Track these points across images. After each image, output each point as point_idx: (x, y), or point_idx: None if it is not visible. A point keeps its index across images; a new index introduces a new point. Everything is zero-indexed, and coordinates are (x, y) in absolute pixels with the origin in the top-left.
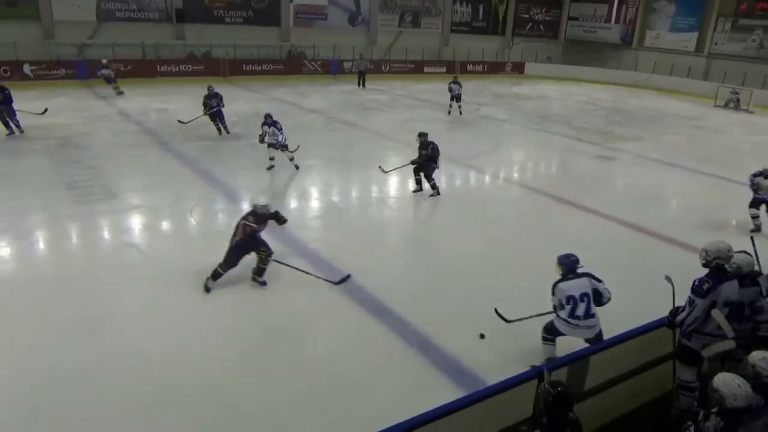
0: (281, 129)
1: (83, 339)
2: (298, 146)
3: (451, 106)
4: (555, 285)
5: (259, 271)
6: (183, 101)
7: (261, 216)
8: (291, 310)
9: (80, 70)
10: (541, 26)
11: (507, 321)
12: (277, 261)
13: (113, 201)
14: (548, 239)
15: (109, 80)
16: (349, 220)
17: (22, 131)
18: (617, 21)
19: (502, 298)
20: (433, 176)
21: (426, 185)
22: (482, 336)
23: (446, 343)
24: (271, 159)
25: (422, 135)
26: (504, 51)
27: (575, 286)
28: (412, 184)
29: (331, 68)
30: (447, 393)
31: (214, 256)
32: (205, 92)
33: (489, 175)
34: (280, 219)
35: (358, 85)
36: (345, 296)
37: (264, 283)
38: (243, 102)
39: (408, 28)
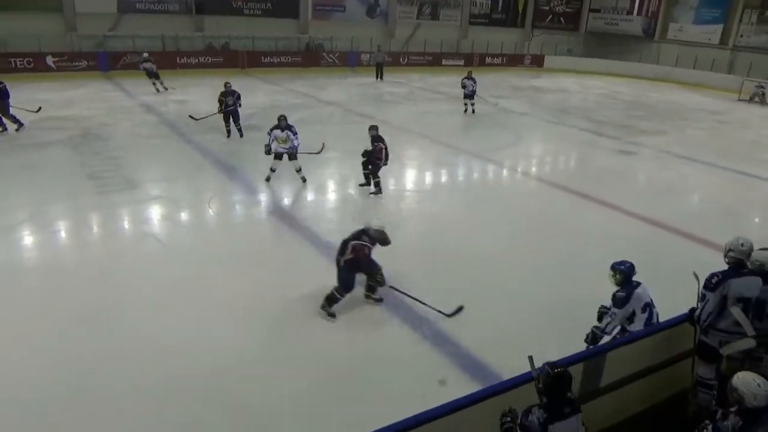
0: (296, 134)
1: (98, 328)
2: (323, 146)
3: (465, 104)
4: (628, 294)
5: (371, 289)
6: (202, 93)
7: (373, 239)
8: (301, 303)
9: (101, 62)
10: (562, 18)
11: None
12: (393, 288)
13: (133, 191)
14: (567, 234)
15: (151, 74)
16: (366, 213)
17: (22, 125)
18: (639, 13)
19: (519, 294)
20: (379, 174)
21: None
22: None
23: (460, 338)
24: (273, 171)
25: (372, 128)
26: (523, 43)
27: (646, 292)
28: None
29: (349, 61)
30: (461, 387)
31: (232, 246)
32: (222, 88)
33: (507, 169)
34: (386, 242)
35: (376, 77)
36: (357, 289)
37: (380, 300)
38: (261, 94)
39: (426, 20)
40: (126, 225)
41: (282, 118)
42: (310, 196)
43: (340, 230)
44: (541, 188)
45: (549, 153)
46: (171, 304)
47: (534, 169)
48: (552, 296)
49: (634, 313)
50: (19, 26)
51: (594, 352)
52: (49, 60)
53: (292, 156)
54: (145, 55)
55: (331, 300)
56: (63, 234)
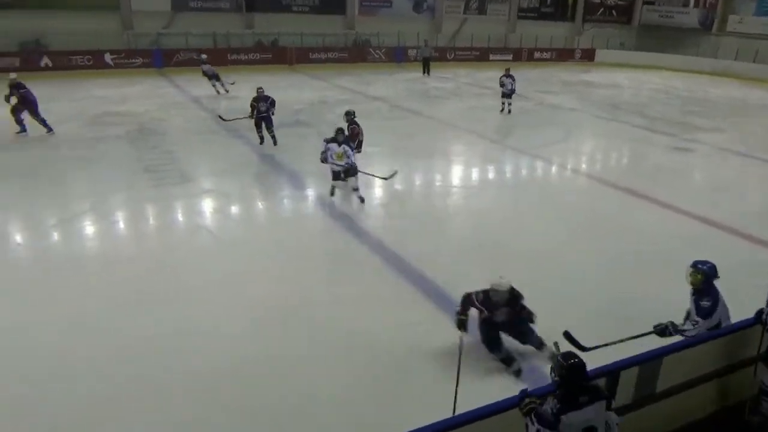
0: (354, 149)
1: (139, 319)
2: (396, 172)
3: (503, 104)
4: (714, 303)
5: (538, 346)
6: (253, 90)
7: (494, 304)
8: (354, 299)
9: (156, 59)
10: (614, 11)
11: (584, 349)
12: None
13: (187, 185)
14: (617, 233)
15: (211, 76)
16: (413, 209)
17: (50, 129)
18: (696, 5)
19: (568, 293)
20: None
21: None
22: (566, 332)
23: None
24: (333, 188)
25: (348, 114)
26: (573, 37)
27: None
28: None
29: (396, 56)
30: (509, 386)
31: (280, 241)
32: (261, 90)
33: (556, 165)
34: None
35: (423, 72)
36: (409, 285)
37: (549, 347)
38: (309, 90)
39: (474, 15)
40: (180, 217)
41: (339, 132)
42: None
43: (386, 226)
44: (591, 185)
45: (599, 149)
46: (218, 298)
47: (584, 165)
48: (597, 295)
49: (719, 324)
50: (79, 25)
51: (650, 356)
52: (108, 57)
53: (350, 173)
54: (204, 56)
55: (513, 370)
56: (121, 225)
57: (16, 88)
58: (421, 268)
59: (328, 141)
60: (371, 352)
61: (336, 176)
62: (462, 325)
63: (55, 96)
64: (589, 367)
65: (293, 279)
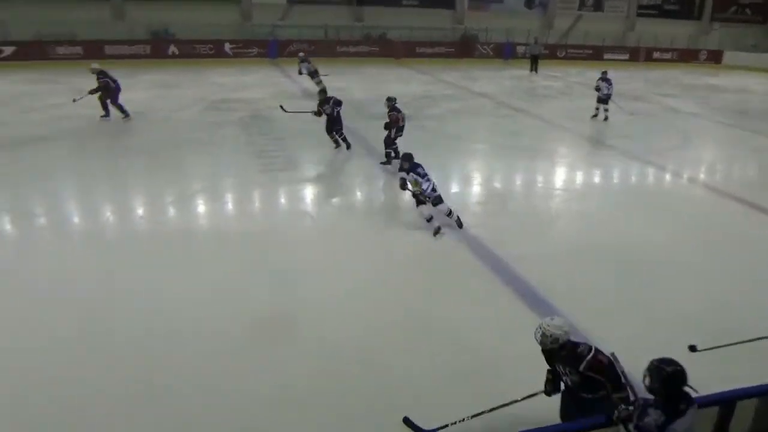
0: (426, 176)
1: (249, 287)
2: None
3: (597, 109)
4: None
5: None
6: (359, 81)
7: (553, 357)
8: (447, 298)
9: (270, 50)
10: (748, 9)
11: (694, 349)
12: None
13: (294, 171)
14: (734, 247)
15: (311, 74)
16: (513, 208)
17: (128, 115)
18: None
19: (675, 304)
20: (394, 145)
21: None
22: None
23: (607, 342)
24: (429, 220)
25: (389, 100)
26: (699, 37)
27: None
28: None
29: (504, 52)
30: None
31: (375, 230)
32: (323, 94)
33: (670, 173)
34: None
35: (531, 70)
36: (505, 286)
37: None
38: (415, 84)
39: (589, 12)
40: (284, 201)
41: (407, 157)
42: (454, 186)
43: (485, 224)
44: (709, 196)
45: (721, 158)
46: (311, 279)
47: (702, 175)
48: (705, 305)
49: None
50: (203, 16)
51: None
52: (227, 47)
53: (435, 201)
54: (302, 54)
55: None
56: (230, 205)
57: (99, 76)
58: (518, 267)
59: (399, 169)
60: (447, 345)
61: (419, 202)
62: (546, 384)
63: (180, 83)
64: (702, 392)
65: (382, 268)
